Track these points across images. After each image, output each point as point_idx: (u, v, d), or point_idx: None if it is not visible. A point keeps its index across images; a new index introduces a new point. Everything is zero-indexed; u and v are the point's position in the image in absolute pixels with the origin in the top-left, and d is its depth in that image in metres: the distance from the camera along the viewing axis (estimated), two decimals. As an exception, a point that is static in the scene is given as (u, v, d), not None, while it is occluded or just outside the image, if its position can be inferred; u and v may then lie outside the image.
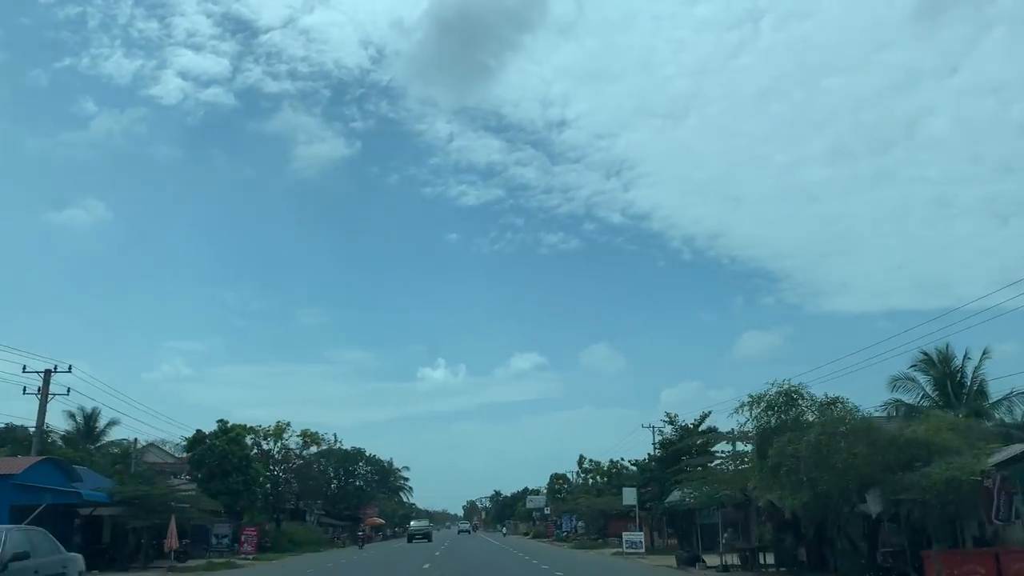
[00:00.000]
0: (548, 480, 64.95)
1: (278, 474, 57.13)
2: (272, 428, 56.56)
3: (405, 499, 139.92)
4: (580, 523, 63.93)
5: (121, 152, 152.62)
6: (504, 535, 78.56)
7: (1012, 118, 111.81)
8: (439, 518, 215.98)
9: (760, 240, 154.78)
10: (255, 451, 55.26)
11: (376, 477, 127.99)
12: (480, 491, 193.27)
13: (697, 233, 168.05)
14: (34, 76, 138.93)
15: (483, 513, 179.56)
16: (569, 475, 71.89)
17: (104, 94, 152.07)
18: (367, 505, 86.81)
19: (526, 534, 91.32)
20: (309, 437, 58.17)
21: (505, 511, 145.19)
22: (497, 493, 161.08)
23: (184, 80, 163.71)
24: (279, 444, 57.00)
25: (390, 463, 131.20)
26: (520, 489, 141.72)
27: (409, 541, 63.09)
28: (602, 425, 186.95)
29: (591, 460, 64.14)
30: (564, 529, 64.09)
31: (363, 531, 57.80)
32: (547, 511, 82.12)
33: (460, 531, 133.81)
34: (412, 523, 73.53)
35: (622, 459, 63.72)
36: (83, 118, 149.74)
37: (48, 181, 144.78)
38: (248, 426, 54.43)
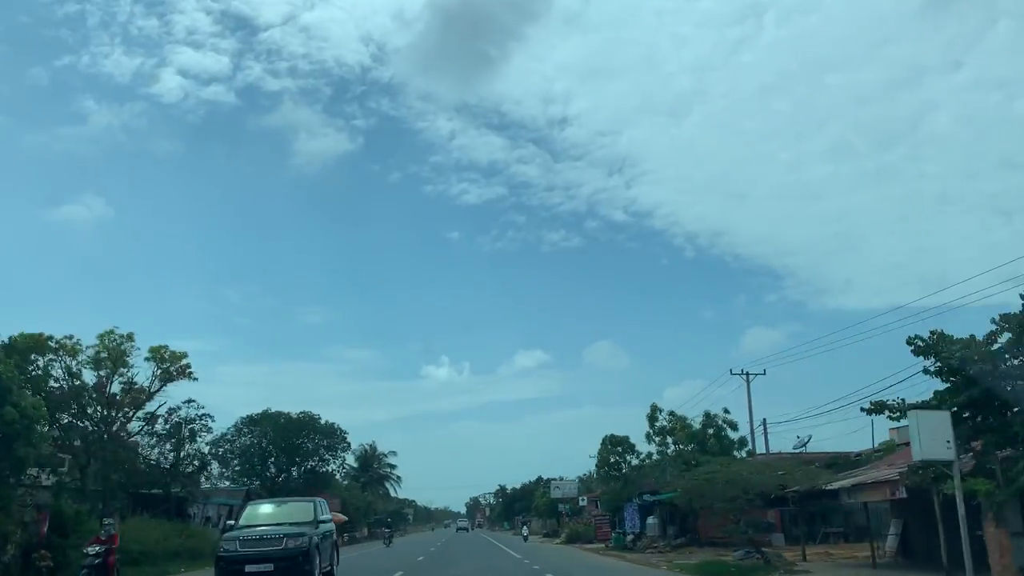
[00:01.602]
0: (599, 449, 38.84)
1: (115, 431, 30.85)
2: (101, 347, 30.18)
3: (392, 491, 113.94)
4: (652, 520, 37.89)
5: (122, 149, 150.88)
6: (526, 539, 51.95)
7: (1016, 113, 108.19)
8: (438, 515, 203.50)
9: (763, 237, 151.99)
10: (60, 386, 29.21)
11: (357, 466, 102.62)
12: (483, 489, 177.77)
13: (700, 231, 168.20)
14: (34, 74, 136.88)
15: (487, 510, 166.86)
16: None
17: (104, 92, 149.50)
18: (321, 494, 60.47)
19: (548, 535, 65.16)
20: (169, 361, 31.65)
21: (515, 506, 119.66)
22: (502, 488, 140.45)
23: (184, 78, 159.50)
24: (120, 374, 30.64)
25: (372, 447, 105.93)
26: (532, 479, 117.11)
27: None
28: (606, 424, 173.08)
29: (669, 414, 37.88)
30: (628, 529, 37.87)
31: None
32: (583, 502, 56.06)
33: (458, 529, 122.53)
34: (247, 521, 19.40)
35: (725, 411, 37.66)
36: (83, 116, 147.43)
37: (48, 178, 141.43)
38: (44, 336, 28.38)
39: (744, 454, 36.95)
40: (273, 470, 58.05)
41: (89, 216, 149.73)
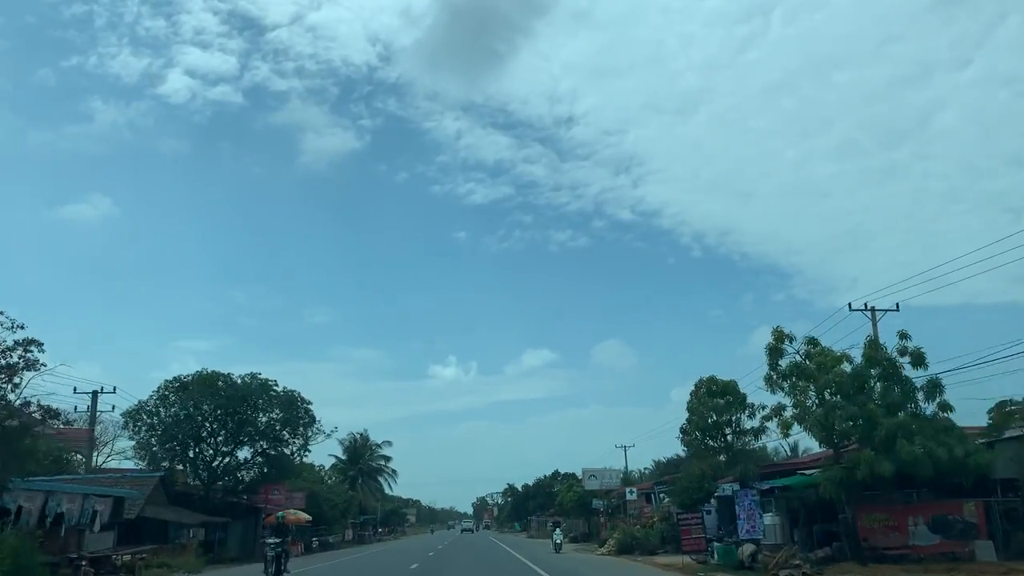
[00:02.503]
0: (688, 403, 23.59)
1: None
2: None
3: (388, 487, 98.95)
4: (770, 519, 22.74)
5: (129, 150, 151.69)
6: (558, 547, 35.69)
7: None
8: (443, 516, 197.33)
9: (770, 236, 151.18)
10: None
11: (345, 458, 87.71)
12: (491, 489, 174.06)
13: (707, 230, 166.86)
14: (41, 75, 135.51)
15: (494, 510, 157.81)
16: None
17: (112, 92, 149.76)
18: (275, 486, 45.38)
19: (576, 540, 49.84)
20: None
21: (528, 504, 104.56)
22: (511, 487, 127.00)
23: (192, 78, 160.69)
24: None
25: (363, 436, 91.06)
26: (549, 473, 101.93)
27: None
28: (613, 424, 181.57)
29: (807, 342, 22.40)
30: (743, 534, 22.45)
31: None
32: (631, 495, 40.77)
33: (463, 530, 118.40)
34: None
35: (903, 335, 22.21)
36: (90, 116, 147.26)
37: (55, 177, 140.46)
38: None
39: (935, 408, 21.64)
40: (210, 452, 43.03)
41: (95, 215, 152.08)
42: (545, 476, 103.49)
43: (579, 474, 77.35)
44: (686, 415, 24.06)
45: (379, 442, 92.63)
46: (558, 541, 34.90)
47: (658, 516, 32.77)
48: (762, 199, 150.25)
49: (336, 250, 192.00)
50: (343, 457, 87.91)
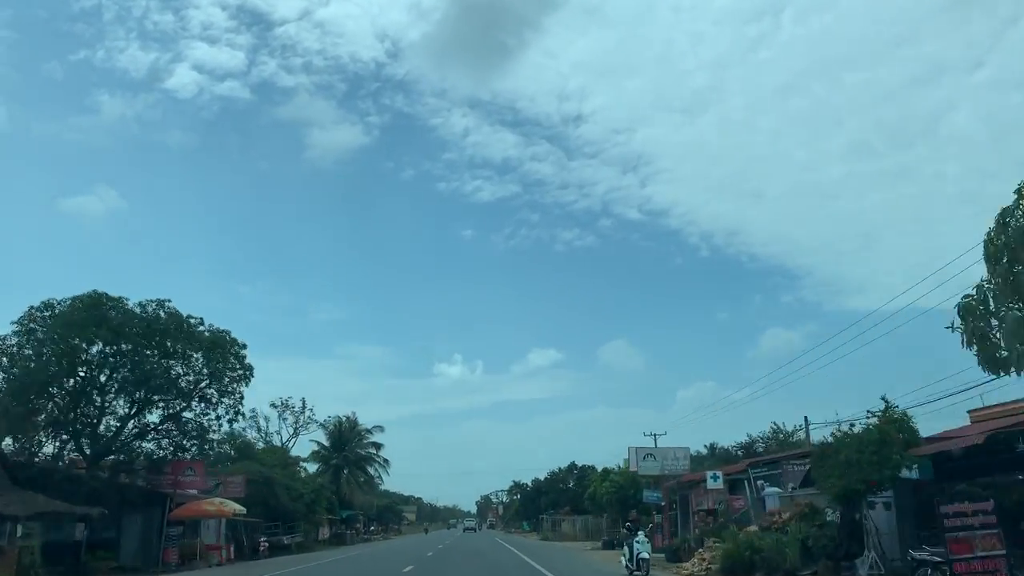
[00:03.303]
0: (988, 236, 10.79)
1: None
2: None
3: (379, 479, 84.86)
4: None
5: (136, 144, 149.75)
6: (642, 565, 21.36)
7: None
8: (445, 514, 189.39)
9: (779, 237, 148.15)
10: None
11: (328, 444, 74.26)
12: (495, 487, 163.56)
13: (715, 230, 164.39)
14: (49, 68, 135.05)
15: (499, 508, 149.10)
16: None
17: (119, 86, 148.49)
18: (191, 463, 31.55)
19: (609, 544, 35.83)
20: None
21: (540, 501, 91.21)
22: (517, 483, 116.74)
23: (199, 73, 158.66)
24: None
25: (351, 419, 77.34)
26: (564, 465, 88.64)
27: None
28: (619, 424, 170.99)
29: None
30: None
31: None
32: (715, 481, 26.92)
33: (465, 529, 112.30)
34: None
35: None
36: (97, 109, 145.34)
37: (61, 170, 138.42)
38: None
39: None
40: (96, 413, 29.43)
41: (101, 207, 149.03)
42: (560, 469, 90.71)
43: (598, 467, 64.24)
44: (980, 277, 10.13)
45: (369, 427, 78.71)
46: (644, 555, 19.74)
47: (791, 513, 19.31)
48: (771, 200, 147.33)
49: (342, 246, 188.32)
50: (326, 443, 74.26)
